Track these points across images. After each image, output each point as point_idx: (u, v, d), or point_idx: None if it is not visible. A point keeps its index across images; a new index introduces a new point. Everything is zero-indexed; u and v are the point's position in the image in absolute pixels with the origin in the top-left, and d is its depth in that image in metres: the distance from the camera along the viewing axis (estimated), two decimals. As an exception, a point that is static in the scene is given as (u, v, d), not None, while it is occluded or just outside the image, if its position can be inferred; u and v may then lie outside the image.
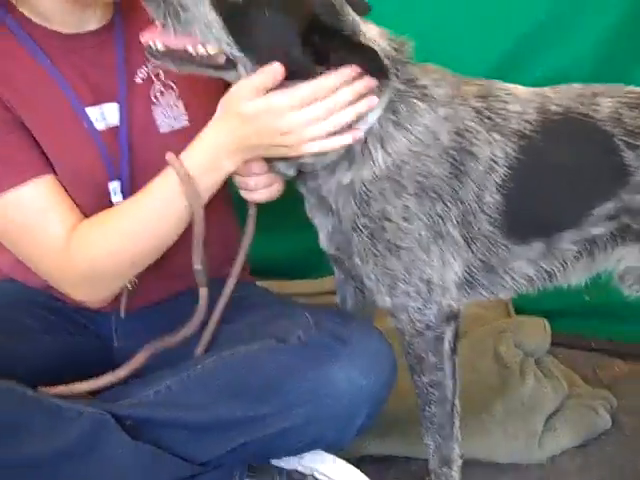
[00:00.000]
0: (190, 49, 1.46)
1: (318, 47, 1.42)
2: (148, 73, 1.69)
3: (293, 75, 1.43)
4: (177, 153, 1.58)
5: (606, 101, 1.58)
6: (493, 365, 2.18)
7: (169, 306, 1.84)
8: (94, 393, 1.71)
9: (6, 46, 1.61)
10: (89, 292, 1.67)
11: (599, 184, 1.59)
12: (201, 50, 1.45)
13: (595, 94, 1.60)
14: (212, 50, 1.46)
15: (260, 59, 1.43)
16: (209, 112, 1.55)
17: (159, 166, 1.60)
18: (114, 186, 1.66)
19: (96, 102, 1.65)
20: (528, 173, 1.57)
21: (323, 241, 1.68)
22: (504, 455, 2.01)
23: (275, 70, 1.43)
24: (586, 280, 1.75)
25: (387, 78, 1.48)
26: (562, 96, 1.61)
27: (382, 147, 1.53)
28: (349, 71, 1.44)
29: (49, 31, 1.63)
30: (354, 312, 1.87)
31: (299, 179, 1.63)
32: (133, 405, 1.64)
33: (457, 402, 1.72)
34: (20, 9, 1.62)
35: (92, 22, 1.67)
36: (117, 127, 1.67)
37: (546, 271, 1.67)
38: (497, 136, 1.56)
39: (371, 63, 1.43)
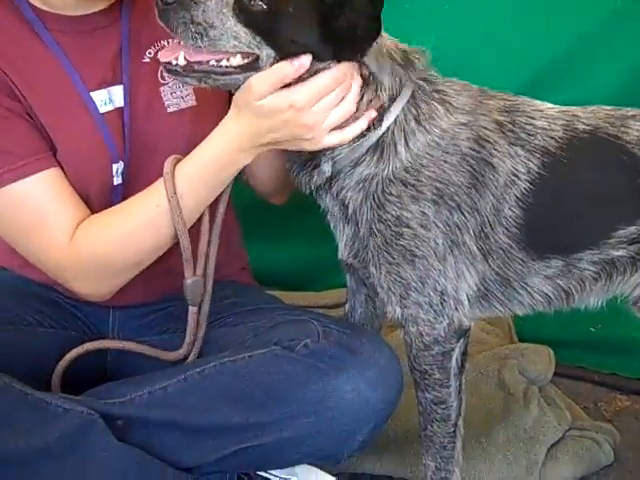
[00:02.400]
0: (213, 62, 1.45)
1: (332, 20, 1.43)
2: (155, 54, 1.67)
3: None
4: (183, 133, 1.60)
5: (637, 125, 1.57)
6: (496, 391, 2.14)
7: (168, 304, 1.81)
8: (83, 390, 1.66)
9: (17, 30, 1.59)
10: (91, 287, 1.64)
11: (623, 207, 1.57)
12: (224, 62, 1.45)
13: (626, 116, 1.59)
14: (236, 62, 1.45)
15: (286, 51, 1.43)
16: (216, 92, 1.58)
17: (166, 145, 1.61)
18: (117, 167, 1.65)
19: (104, 84, 1.64)
20: (550, 190, 1.55)
21: (341, 250, 1.65)
22: None
23: (302, 63, 1.43)
24: (601, 303, 1.71)
25: (376, 39, 1.45)
26: (591, 115, 1.59)
27: (405, 142, 1.52)
28: (353, 64, 1.48)
29: (56, 14, 1.61)
30: (362, 321, 1.84)
31: (321, 189, 1.61)
32: (125, 404, 1.60)
33: (460, 423, 1.68)
34: None
35: (97, 4, 1.64)
36: (122, 109, 1.65)
37: (564, 290, 1.64)
38: (520, 150, 1.55)
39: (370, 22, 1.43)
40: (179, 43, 1.46)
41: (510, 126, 1.56)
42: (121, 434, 1.56)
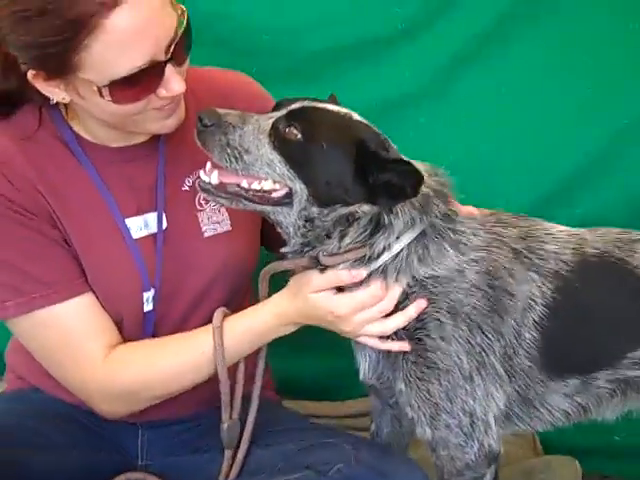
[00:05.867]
0: (244, 184, 1.51)
1: (368, 172, 1.48)
2: (194, 182, 1.73)
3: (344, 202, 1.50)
4: (220, 255, 1.70)
5: None
6: None
7: (198, 420, 1.83)
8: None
9: (60, 156, 1.65)
10: (120, 409, 1.69)
11: (634, 330, 1.61)
12: (256, 185, 1.51)
13: (633, 240, 1.64)
14: (267, 186, 1.51)
15: (318, 190, 1.49)
16: (249, 217, 1.72)
17: (200, 268, 1.70)
18: (148, 296, 1.69)
19: (140, 212, 1.69)
20: (564, 313, 1.59)
21: (364, 371, 1.67)
22: None
23: (360, 274, 1.54)
24: (618, 416, 1.74)
25: (415, 194, 1.48)
26: (600, 239, 1.64)
27: (396, 277, 1.56)
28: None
29: (97, 145, 1.68)
30: (390, 440, 1.85)
31: None
32: None
33: None
34: (70, 123, 1.67)
35: (141, 137, 1.71)
36: (156, 235, 1.71)
37: (582, 406, 1.67)
38: (535, 275, 1.59)
39: (408, 177, 1.46)
40: (214, 163, 1.51)
41: (526, 252, 1.60)
42: None
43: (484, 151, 2.30)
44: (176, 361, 1.64)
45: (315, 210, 1.50)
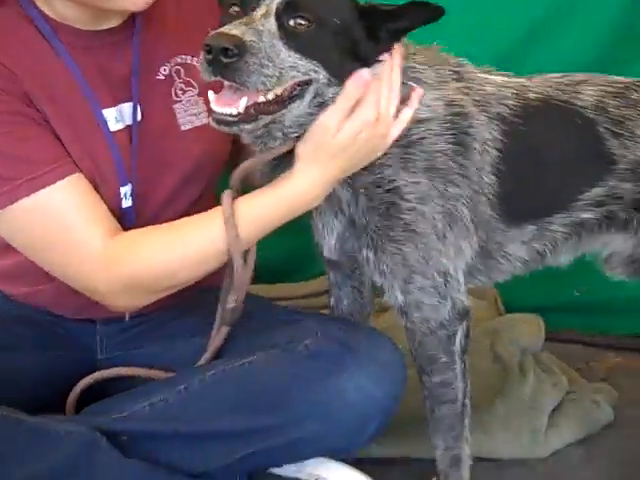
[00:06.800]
0: (262, 97, 1.38)
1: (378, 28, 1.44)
2: (170, 70, 1.66)
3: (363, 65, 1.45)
4: (196, 150, 1.62)
5: (589, 89, 1.60)
6: (492, 365, 2.17)
7: (159, 316, 1.79)
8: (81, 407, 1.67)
9: (32, 40, 1.55)
10: (128, 302, 1.59)
11: (585, 171, 1.62)
12: (270, 95, 1.38)
13: (577, 82, 1.62)
14: (285, 85, 1.39)
15: (337, 67, 1.42)
16: None
17: (178, 163, 1.62)
18: (125, 190, 1.61)
19: (115, 102, 1.61)
20: (514, 157, 1.57)
21: (330, 248, 1.63)
22: (508, 452, 1.99)
23: (364, 78, 1.42)
24: (570, 261, 1.78)
25: (444, 12, 1.41)
26: (540, 84, 1.62)
27: None
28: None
29: (69, 27, 1.58)
30: (350, 312, 1.84)
31: None
32: (126, 419, 1.60)
33: (467, 402, 1.69)
34: (38, 3, 1.56)
35: (112, 21, 1.61)
36: (131, 127, 1.62)
37: (538, 252, 1.69)
38: (484, 117, 1.56)
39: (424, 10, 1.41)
40: (235, 91, 1.36)
41: (467, 91, 1.56)
42: (126, 449, 1.56)
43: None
44: (184, 249, 1.51)
45: (330, 91, 1.43)
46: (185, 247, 1.51)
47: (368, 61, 1.45)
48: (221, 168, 1.75)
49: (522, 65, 2.18)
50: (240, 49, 1.30)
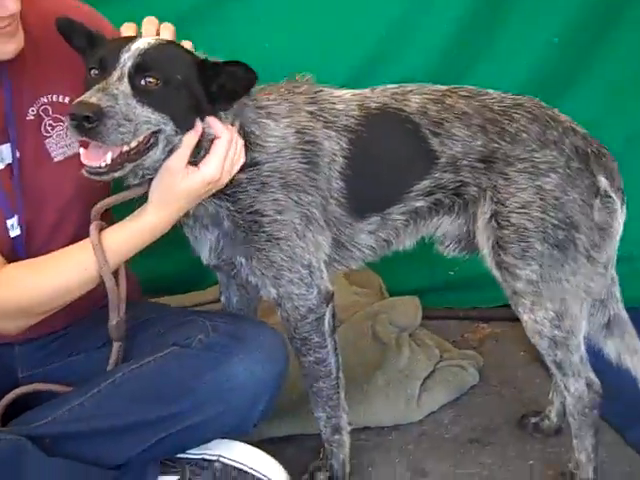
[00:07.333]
0: (125, 147, 1.57)
1: (211, 82, 1.63)
2: (38, 110, 1.78)
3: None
4: (71, 179, 1.74)
5: (415, 97, 1.85)
6: (372, 344, 2.39)
7: (70, 331, 1.95)
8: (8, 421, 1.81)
9: None
10: (10, 327, 1.74)
11: (414, 167, 1.86)
12: (133, 143, 1.57)
13: (406, 92, 1.86)
14: (142, 136, 1.58)
15: (182, 119, 1.61)
16: None
17: (55, 193, 1.75)
18: (12, 222, 1.76)
19: None
20: (359, 161, 1.81)
21: (205, 256, 1.85)
22: (388, 419, 2.23)
23: (196, 130, 1.63)
24: (414, 244, 2.01)
25: (257, 78, 1.61)
26: (379, 95, 1.86)
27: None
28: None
29: None
30: (240, 307, 2.08)
31: None
32: (49, 424, 1.76)
33: (341, 375, 1.92)
34: None
35: None
36: (11, 165, 1.75)
37: (384, 240, 1.93)
38: (331, 132, 1.80)
39: (245, 70, 1.60)
40: (101, 146, 1.54)
41: (319, 112, 1.80)
42: (51, 450, 1.72)
43: (295, 37, 2.47)
44: (59, 278, 1.68)
45: (177, 139, 1.61)
46: (59, 275, 1.68)
47: (208, 114, 1.65)
48: (105, 190, 1.84)
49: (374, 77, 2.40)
50: (98, 115, 1.49)
